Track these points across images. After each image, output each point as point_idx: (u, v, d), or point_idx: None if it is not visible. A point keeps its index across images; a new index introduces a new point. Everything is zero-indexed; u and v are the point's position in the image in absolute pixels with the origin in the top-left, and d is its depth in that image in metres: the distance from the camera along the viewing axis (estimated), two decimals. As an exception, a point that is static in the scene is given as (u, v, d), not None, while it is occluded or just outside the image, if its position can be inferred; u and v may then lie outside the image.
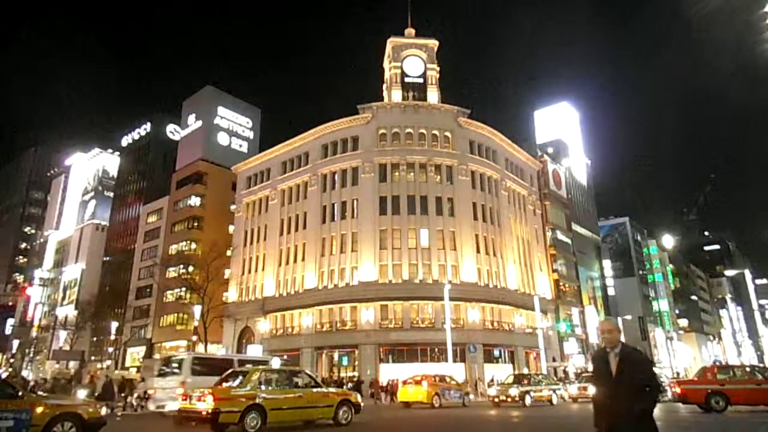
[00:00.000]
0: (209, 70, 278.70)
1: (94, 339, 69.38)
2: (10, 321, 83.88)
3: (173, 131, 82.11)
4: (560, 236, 59.35)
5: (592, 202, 78.52)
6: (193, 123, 71.55)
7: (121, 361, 62.65)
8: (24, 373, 65.48)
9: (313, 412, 13.22)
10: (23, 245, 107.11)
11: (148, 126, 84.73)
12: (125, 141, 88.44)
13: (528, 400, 22.32)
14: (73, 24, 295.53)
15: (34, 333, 75.37)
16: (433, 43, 53.78)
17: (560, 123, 76.69)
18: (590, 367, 5.34)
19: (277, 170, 52.15)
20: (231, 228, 56.65)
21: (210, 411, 11.14)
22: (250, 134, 75.04)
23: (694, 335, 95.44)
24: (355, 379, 33.15)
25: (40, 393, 16.45)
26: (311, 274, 45.19)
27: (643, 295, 79.93)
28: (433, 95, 51.29)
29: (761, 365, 59.65)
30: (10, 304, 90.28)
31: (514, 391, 22.63)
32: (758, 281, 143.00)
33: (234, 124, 73.27)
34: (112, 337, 56.53)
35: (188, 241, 62.45)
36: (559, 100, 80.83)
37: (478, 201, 46.43)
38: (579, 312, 58.72)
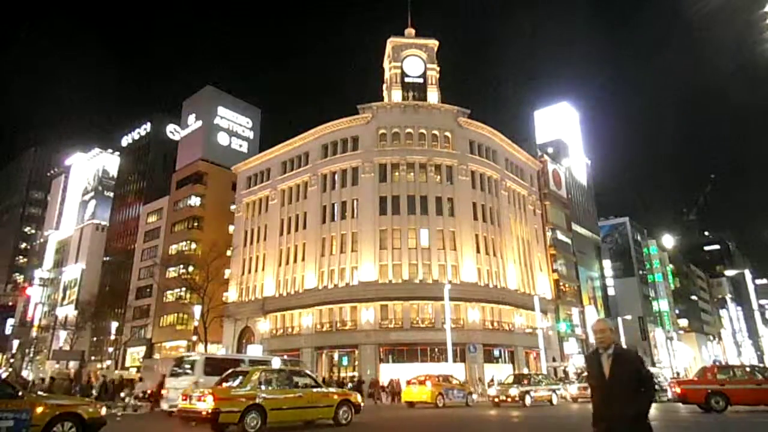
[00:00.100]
0: (209, 70, 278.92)
1: (94, 339, 69.38)
2: (10, 321, 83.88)
3: (173, 131, 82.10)
4: (560, 236, 59.36)
5: (592, 202, 78.52)
6: (193, 123, 71.55)
7: (121, 361, 62.67)
8: (24, 373, 65.52)
9: (313, 412, 13.22)
10: (23, 245, 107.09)
11: (148, 126, 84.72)
12: (125, 141, 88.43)
13: (528, 400, 22.32)
14: (73, 24, 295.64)
15: (34, 333, 75.38)
16: (433, 43, 53.78)
17: (560, 123, 76.68)
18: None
19: (277, 170, 52.15)
20: (231, 228, 56.64)
21: (210, 411, 11.14)
22: (250, 134, 75.04)
23: (694, 335, 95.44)
24: (356, 379, 33.16)
25: (39, 393, 16.44)
26: (311, 274, 45.19)
27: (643, 295, 79.92)
28: (433, 95, 51.29)
29: (761, 365, 59.62)
30: (10, 304, 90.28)
31: (514, 391, 22.64)
32: (758, 281, 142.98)
33: (234, 124, 73.26)
34: (112, 337, 56.56)
35: (188, 241, 62.46)
36: (559, 100, 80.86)
37: (478, 201, 46.43)
38: (579, 312, 58.73)
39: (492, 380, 34.60)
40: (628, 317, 64.25)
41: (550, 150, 66.92)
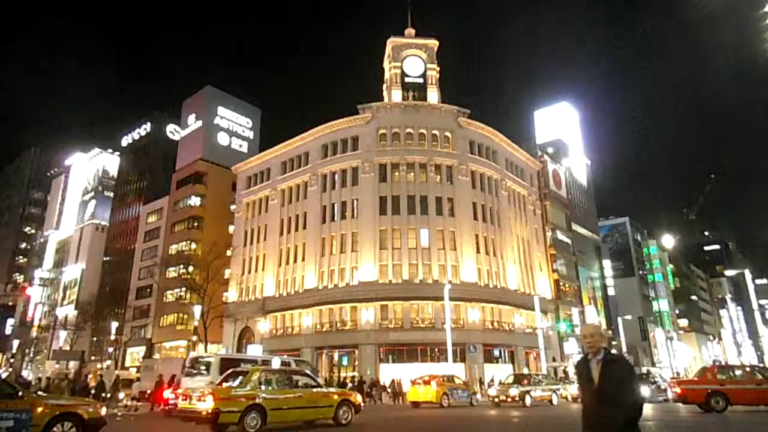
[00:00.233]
0: (209, 70, 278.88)
1: (94, 339, 69.34)
2: (10, 321, 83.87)
3: (173, 131, 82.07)
4: (560, 236, 59.36)
5: (592, 202, 78.53)
6: (193, 123, 71.54)
7: (121, 361, 62.65)
8: (24, 373, 65.52)
9: (313, 412, 13.21)
10: (23, 245, 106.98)
11: (148, 126, 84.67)
12: (125, 141, 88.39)
13: (528, 400, 22.33)
14: (73, 24, 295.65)
15: (34, 333, 75.37)
16: (433, 43, 53.78)
17: (560, 123, 76.74)
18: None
19: (277, 170, 52.15)
20: (231, 228, 56.64)
21: (210, 411, 11.14)
22: (250, 134, 75.04)
23: (694, 335, 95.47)
24: (357, 380, 33.13)
25: (39, 393, 16.45)
26: (311, 274, 45.19)
27: (643, 295, 79.96)
28: (433, 95, 51.30)
29: (761, 365, 59.70)
30: (10, 304, 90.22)
31: (514, 391, 22.66)
32: (758, 281, 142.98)
33: (234, 124, 73.26)
34: (112, 337, 56.52)
35: (188, 241, 62.45)
36: (559, 100, 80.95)
37: (478, 201, 46.43)
38: (579, 312, 58.72)
39: (492, 380, 34.62)
40: (628, 317, 64.28)
41: (550, 150, 66.95)
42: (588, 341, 4.37)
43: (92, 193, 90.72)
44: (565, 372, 46.30)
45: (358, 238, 44.03)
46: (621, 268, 79.38)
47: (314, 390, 13.42)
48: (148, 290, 64.78)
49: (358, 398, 14.63)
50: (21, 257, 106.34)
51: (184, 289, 55.63)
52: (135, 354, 64.43)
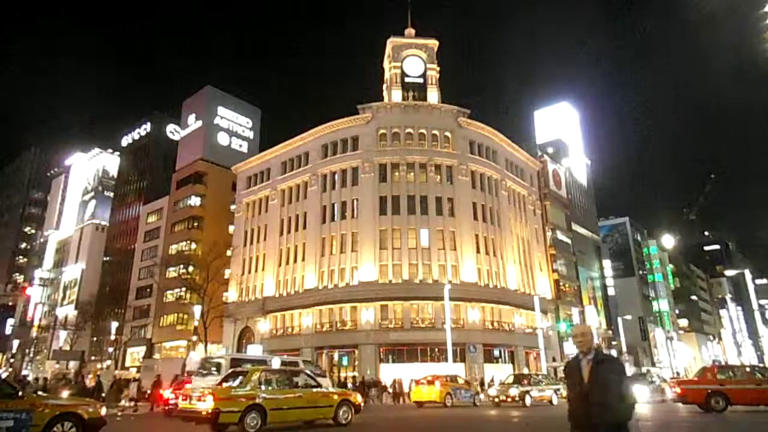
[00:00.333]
0: (209, 70, 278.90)
1: (94, 339, 69.35)
2: (10, 321, 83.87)
3: (173, 131, 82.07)
4: (560, 236, 59.35)
5: (592, 202, 78.53)
6: (193, 123, 71.54)
7: (121, 361, 62.65)
8: (24, 373, 65.53)
9: (313, 412, 13.21)
10: (23, 245, 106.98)
11: (148, 126, 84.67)
12: (125, 141, 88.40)
13: (528, 400, 22.32)
14: (73, 24, 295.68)
15: (34, 333, 75.37)
16: (433, 43, 53.78)
17: (560, 123, 76.73)
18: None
19: (277, 170, 52.15)
20: (231, 228, 56.63)
21: (210, 411, 11.15)
22: (250, 134, 75.04)
23: (694, 335, 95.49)
24: (359, 380, 33.07)
25: (39, 393, 16.45)
26: (311, 274, 45.19)
27: (643, 295, 79.97)
28: (433, 95, 51.29)
29: (761, 365, 59.68)
30: (10, 304, 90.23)
31: (514, 391, 22.66)
32: (758, 281, 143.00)
33: (234, 124, 73.25)
34: (112, 337, 56.52)
35: (188, 241, 62.45)
36: (559, 100, 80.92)
37: (478, 201, 46.43)
38: (579, 312, 58.72)
39: (492, 380, 34.63)
40: (628, 317, 64.27)
41: (550, 150, 66.94)
42: (579, 341, 4.32)
43: (92, 193, 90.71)
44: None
45: (358, 238, 44.03)
46: (621, 268, 79.37)
47: (314, 390, 13.43)
48: (148, 290, 64.77)
49: (358, 398, 14.64)
50: (21, 257, 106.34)
51: (184, 289, 55.63)
52: (135, 354, 64.44)
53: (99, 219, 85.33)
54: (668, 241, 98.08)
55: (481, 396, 26.77)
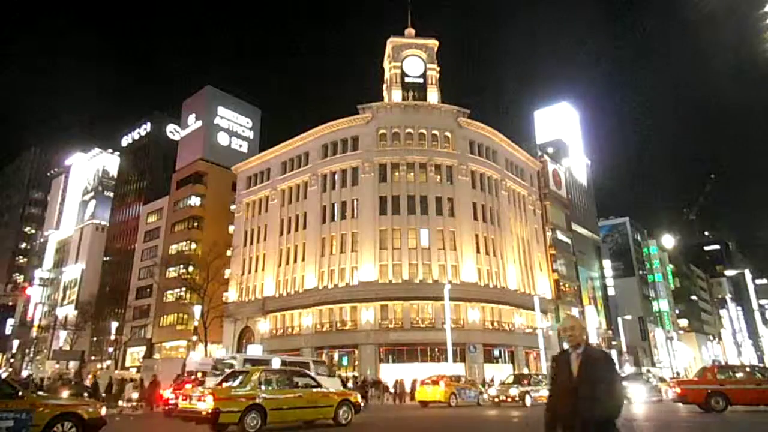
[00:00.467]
0: (209, 70, 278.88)
1: (94, 339, 69.37)
2: (10, 321, 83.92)
3: (173, 131, 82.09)
4: (560, 236, 59.34)
5: (592, 202, 78.53)
6: (193, 123, 71.55)
7: (121, 361, 62.66)
8: (24, 373, 65.55)
9: (313, 412, 13.21)
10: (23, 245, 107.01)
11: (148, 126, 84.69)
12: (125, 141, 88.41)
13: (528, 400, 22.31)
14: (73, 24, 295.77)
15: (34, 333, 75.40)
16: (433, 43, 53.78)
17: (560, 123, 76.71)
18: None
19: (277, 170, 52.15)
20: (231, 228, 56.63)
21: (210, 411, 11.15)
22: (250, 134, 75.04)
23: (694, 335, 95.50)
24: (361, 380, 33.05)
25: (40, 393, 16.45)
26: (311, 274, 45.19)
27: (643, 295, 79.96)
28: (433, 95, 51.29)
29: (761, 365, 59.68)
30: (10, 304, 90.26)
31: (514, 391, 22.66)
32: (758, 281, 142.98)
33: (234, 124, 73.26)
34: (112, 337, 56.53)
35: (188, 241, 62.46)
36: (559, 100, 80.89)
37: (478, 201, 46.43)
38: (579, 312, 58.62)
39: (492, 380, 34.63)
40: (628, 317, 64.30)
41: (550, 150, 66.93)
42: (568, 334, 4.16)
43: (92, 193, 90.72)
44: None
45: (358, 238, 44.03)
46: (621, 268, 79.34)
47: (314, 390, 13.43)
48: (148, 290, 64.78)
49: (358, 398, 14.65)
50: (21, 257, 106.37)
51: (184, 289, 55.64)
52: (135, 354, 64.45)
53: (99, 219, 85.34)
54: (668, 241, 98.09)
55: (485, 396, 26.86)
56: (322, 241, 45.87)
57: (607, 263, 73.44)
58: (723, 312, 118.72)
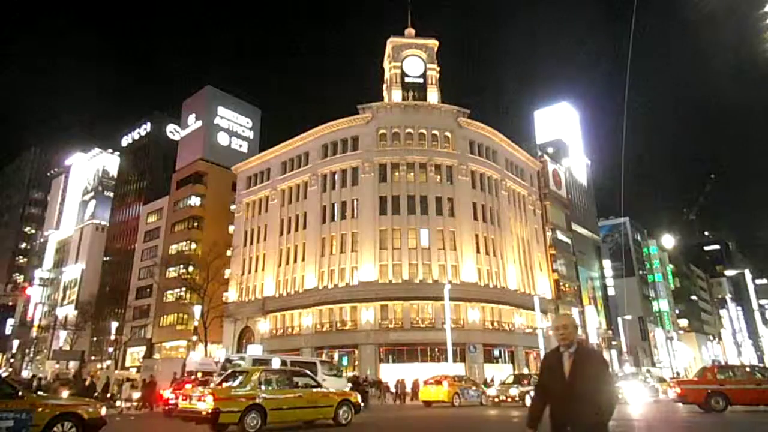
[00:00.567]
0: (209, 70, 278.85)
1: (94, 339, 69.39)
2: (10, 321, 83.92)
3: (173, 131, 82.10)
4: (560, 236, 59.36)
5: (592, 202, 78.55)
6: (193, 123, 71.56)
7: (121, 361, 62.66)
8: (24, 373, 65.56)
9: (313, 412, 13.22)
10: (23, 245, 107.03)
11: (148, 126, 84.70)
12: (125, 141, 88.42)
13: (528, 400, 22.31)
14: (73, 24, 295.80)
15: (34, 333, 75.39)
16: (433, 43, 53.78)
17: (560, 123, 76.72)
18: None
19: (277, 170, 52.16)
20: (231, 228, 56.65)
21: (210, 411, 11.15)
22: (250, 134, 75.05)
23: (694, 335, 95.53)
24: (361, 379, 33.04)
25: (40, 393, 16.44)
26: (311, 274, 45.20)
27: (643, 295, 79.97)
28: (433, 95, 51.30)
29: (761, 365, 59.69)
30: (10, 304, 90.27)
31: (514, 391, 22.69)
32: (758, 281, 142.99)
33: (234, 124, 73.27)
34: (112, 337, 56.53)
35: (188, 241, 62.47)
36: (559, 100, 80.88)
37: (478, 201, 46.44)
38: (579, 312, 58.69)
39: (492, 380, 34.63)
40: (628, 317, 64.31)
41: (550, 150, 66.95)
42: (561, 333, 3.99)
43: (92, 193, 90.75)
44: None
45: (358, 238, 44.04)
46: (621, 268, 79.23)
47: (314, 390, 13.43)
48: (148, 290, 64.79)
49: (358, 398, 14.66)
50: (21, 257, 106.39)
51: (184, 289, 55.64)
52: (135, 354, 64.46)
53: (99, 219, 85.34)
54: (668, 241, 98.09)
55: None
56: (322, 241, 45.88)
57: (607, 263, 73.48)
58: (723, 312, 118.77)
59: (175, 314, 59.81)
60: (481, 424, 16.08)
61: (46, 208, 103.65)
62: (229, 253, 51.98)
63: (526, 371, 38.18)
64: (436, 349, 39.44)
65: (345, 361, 42.21)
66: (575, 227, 64.98)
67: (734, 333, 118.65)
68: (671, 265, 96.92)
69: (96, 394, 22.43)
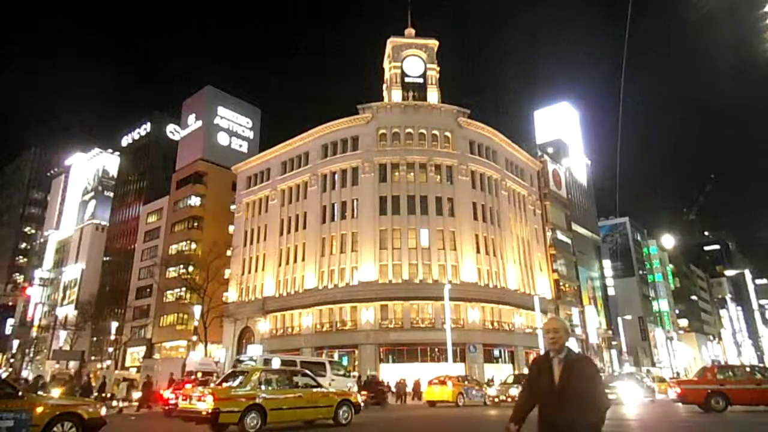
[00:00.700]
0: (209, 70, 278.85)
1: (94, 339, 69.36)
2: (10, 321, 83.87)
3: (173, 131, 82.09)
4: (560, 236, 59.36)
5: (592, 202, 78.55)
6: (193, 123, 71.55)
7: (121, 361, 62.65)
8: (24, 373, 65.51)
9: (313, 412, 13.22)
10: (23, 245, 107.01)
11: (148, 126, 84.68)
12: (125, 141, 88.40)
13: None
14: (73, 24, 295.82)
15: (34, 333, 75.32)
16: (433, 43, 53.78)
17: (560, 123, 76.71)
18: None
19: (277, 170, 52.16)
20: (231, 228, 56.65)
21: (210, 411, 11.15)
22: (250, 134, 75.05)
23: (694, 335, 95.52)
24: (363, 380, 33.05)
25: (40, 393, 16.44)
26: (311, 274, 45.20)
27: (643, 295, 79.98)
28: (433, 95, 51.30)
29: (761, 365, 59.68)
30: (10, 304, 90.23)
31: (514, 391, 22.71)
32: (758, 281, 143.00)
33: (234, 124, 73.26)
34: (112, 337, 56.44)
35: (188, 241, 62.47)
36: (559, 100, 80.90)
37: (478, 201, 46.44)
38: (579, 312, 58.73)
39: (492, 380, 34.66)
40: (628, 317, 64.30)
41: (550, 150, 66.96)
42: (551, 336, 3.90)
43: (92, 193, 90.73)
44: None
45: (358, 238, 44.04)
46: (621, 268, 79.36)
47: (314, 390, 13.43)
48: (148, 290, 64.78)
49: (358, 398, 14.66)
50: (21, 257, 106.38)
51: (184, 289, 55.62)
52: (135, 354, 64.46)
53: (99, 219, 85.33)
54: (668, 241, 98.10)
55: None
56: (322, 241, 45.88)
57: (607, 263, 73.47)
58: (723, 312, 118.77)
59: (175, 314, 59.81)
60: (482, 424, 16.07)
61: (46, 208, 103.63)
62: (229, 253, 51.97)
63: (526, 371, 38.17)
64: (436, 349, 39.45)
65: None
66: (575, 227, 64.99)
67: (734, 333, 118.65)
68: (671, 265, 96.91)
69: (94, 394, 22.47)
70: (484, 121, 49.58)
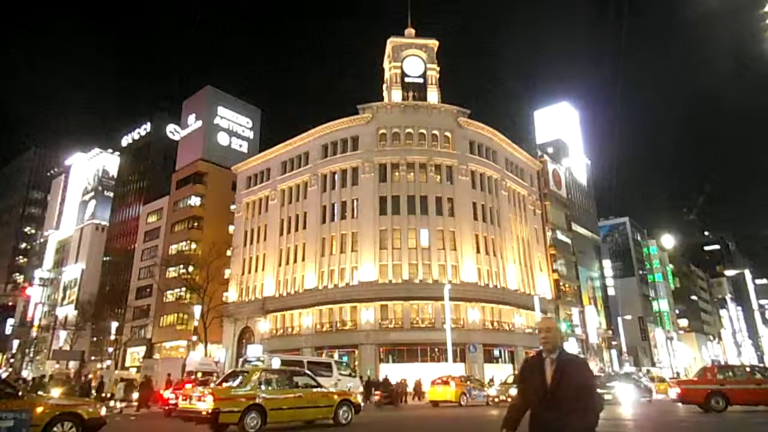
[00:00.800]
0: (209, 70, 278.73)
1: (94, 339, 69.37)
2: (10, 321, 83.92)
3: (173, 131, 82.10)
4: (560, 236, 59.36)
5: (592, 202, 78.54)
6: (193, 123, 71.55)
7: (121, 361, 62.65)
8: (24, 373, 65.54)
9: (313, 412, 13.22)
10: (23, 245, 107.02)
11: (148, 126, 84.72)
12: (125, 141, 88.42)
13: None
14: (73, 24, 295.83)
15: (34, 333, 75.36)
16: (433, 43, 53.78)
17: (560, 123, 76.69)
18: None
19: (277, 170, 52.15)
20: (231, 228, 56.64)
21: (210, 411, 11.15)
22: (250, 134, 75.04)
23: (694, 335, 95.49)
24: (364, 380, 33.03)
25: (40, 393, 16.43)
26: (311, 274, 45.19)
27: (643, 295, 79.96)
28: (433, 95, 51.29)
29: (761, 365, 59.67)
30: (10, 304, 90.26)
31: (514, 391, 22.67)
32: (758, 281, 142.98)
33: (234, 124, 73.26)
34: (112, 337, 56.50)
35: (188, 241, 62.46)
36: (559, 100, 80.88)
37: (478, 201, 46.43)
38: (579, 312, 58.73)
39: (492, 380, 34.63)
40: (628, 317, 64.26)
41: (550, 150, 66.95)
42: (544, 336, 3.83)
43: (92, 193, 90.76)
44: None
45: (358, 238, 44.04)
46: (621, 268, 79.34)
47: (314, 390, 13.43)
48: (148, 290, 64.78)
49: (358, 398, 14.67)
50: (21, 257, 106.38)
51: (184, 289, 55.61)
52: (135, 354, 64.45)
53: (99, 219, 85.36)
54: (668, 241, 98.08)
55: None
56: (322, 241, 45.87)
57: (607, 263, 73.45)
58: (723, 312, 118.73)
59: (175, 314, 59.81)
60: (484, 424, 16.07)
61: (46, 208, 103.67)
62: (229, 253, 51.97)
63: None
64: (436, 349, 39.45)
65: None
66: (575, 227, 64.99)
67: (734, 333, 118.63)
68: (671, 265, 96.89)
69: (93, 394, 22.46)
70: (484, 121, 49.65)
